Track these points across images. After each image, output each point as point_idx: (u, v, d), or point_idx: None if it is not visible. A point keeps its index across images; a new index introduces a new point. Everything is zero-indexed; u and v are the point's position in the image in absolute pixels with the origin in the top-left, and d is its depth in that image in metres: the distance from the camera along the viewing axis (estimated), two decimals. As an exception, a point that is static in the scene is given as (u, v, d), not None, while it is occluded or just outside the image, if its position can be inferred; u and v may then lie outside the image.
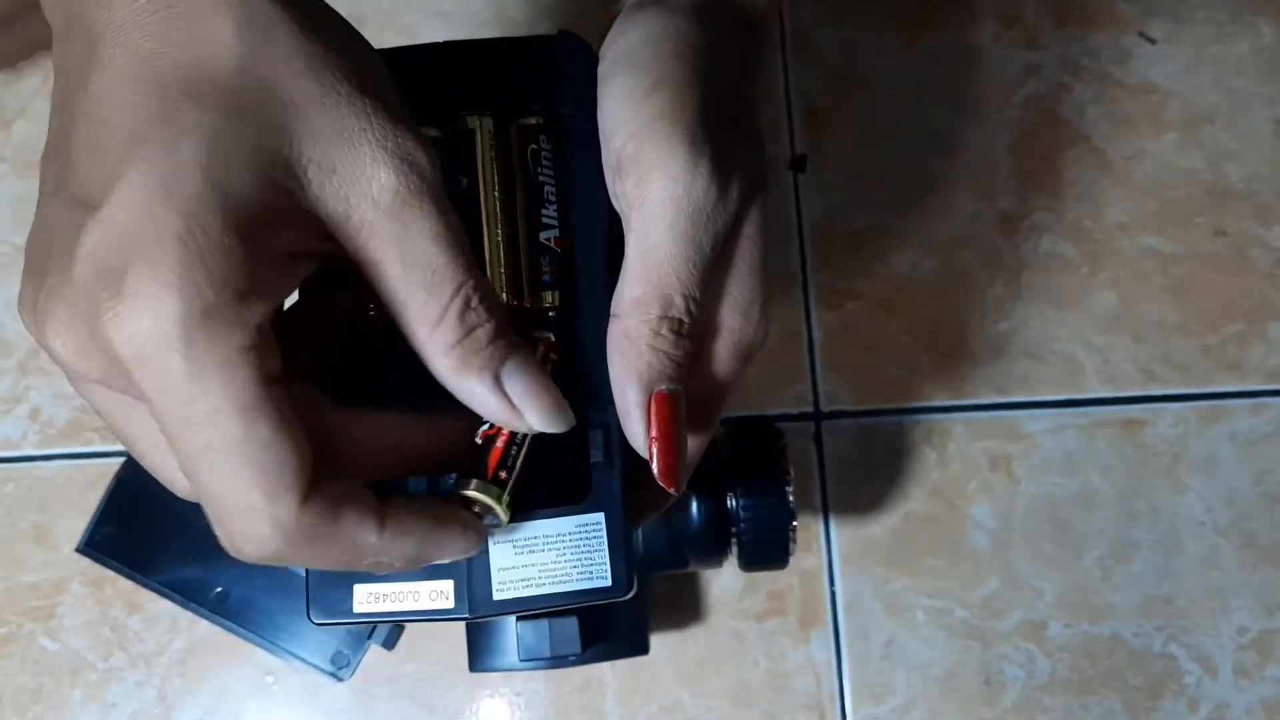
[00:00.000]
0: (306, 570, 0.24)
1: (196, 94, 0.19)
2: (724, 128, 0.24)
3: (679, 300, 0.23)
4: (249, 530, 0.20)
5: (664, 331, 0.23)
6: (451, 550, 0.23)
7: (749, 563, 0.38)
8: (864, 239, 0.50)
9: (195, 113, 0.19)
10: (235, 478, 0.19)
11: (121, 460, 0.47)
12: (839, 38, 0.52)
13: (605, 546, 0.25)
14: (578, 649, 0.34)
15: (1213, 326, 0.49)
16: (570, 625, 0.34)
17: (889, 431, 0.48)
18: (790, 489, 0.37)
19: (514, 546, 0.25)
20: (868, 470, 0.48)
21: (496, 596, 0.24)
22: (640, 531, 0.38)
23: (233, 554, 0.21)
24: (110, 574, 0.47)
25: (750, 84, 0.27)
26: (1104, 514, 0.47)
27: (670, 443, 0.24)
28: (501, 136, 0.27)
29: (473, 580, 0.24)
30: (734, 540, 0.37)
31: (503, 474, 0.24)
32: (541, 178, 0.27)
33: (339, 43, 0.21)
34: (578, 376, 0.25)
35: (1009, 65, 0.52)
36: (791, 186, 0.51)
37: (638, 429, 0.24)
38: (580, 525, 0.25)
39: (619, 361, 0.24)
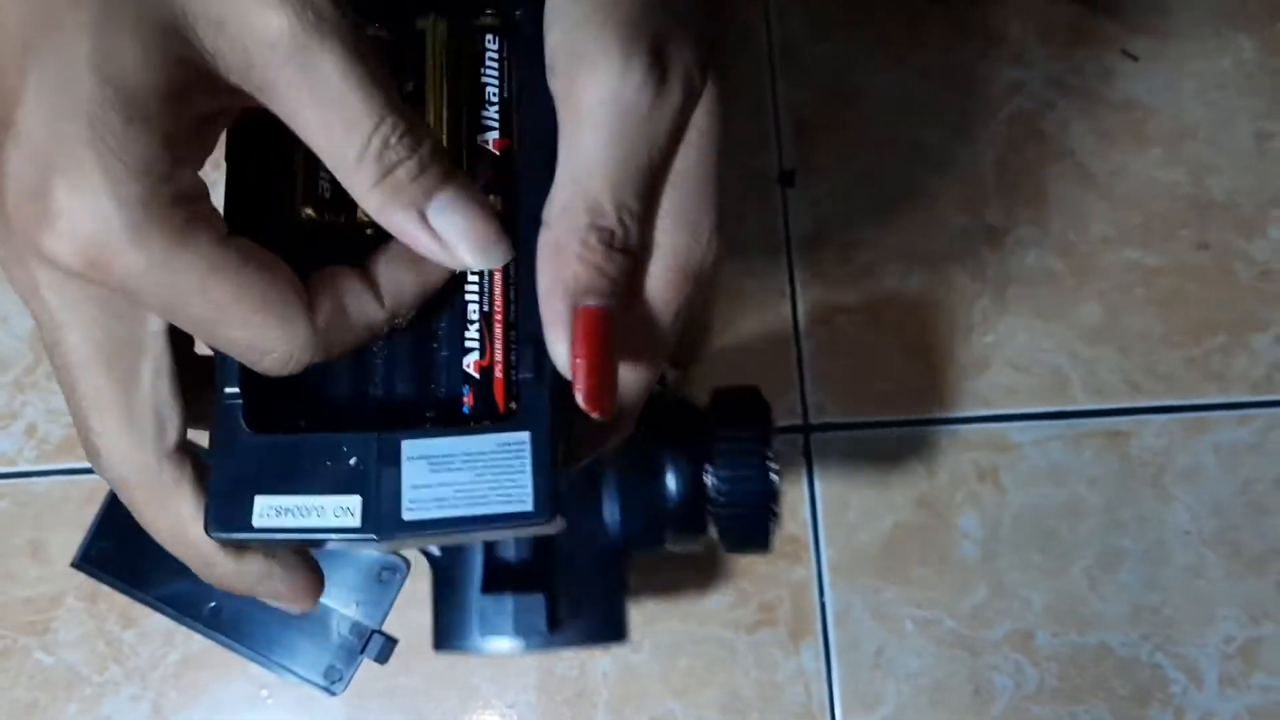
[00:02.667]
0: (210, 484, 0.23)
1: None
2: (670, 22, 0.22)
3: (609, 209, 0.22)
4: (279, 357, 0.21)
5: (593, 242, 0.22)
6: (447, 271, 0.23)
7: (729, 544, 0.35)
8: (852, 252, 0.50)
9: (69, 7, 0.19)
10: (248, 324, 0.20)
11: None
12: (828, 53, 0.53)
13: (529, 468, 0.22)
14: (543, 629, 0.32)
15: (1197, 338, 0.49)
16: (537, 602, 0.32)
17: (878, 443, 0.49)
18: (773, 463, 0.34)
19: (429, 463, 0.23)
20: (857, 482, 0.48)
21: (406, 517, 0.22)
22: (617, 507, 0.35)
23: (278, 372, 0.22)
24: (105, 588, 0.47)
25: None
26: (1091, 524, 0.48)
27: (596, 363, 0.22)
28: (454, 40, 0.25)
29: (382, 498, 0.22)
30: (712, 521, 0.35)
31: (511, 405, 0.24)
32: (485, 79, 0.25)
33: None
34: (515, 287, 0.24)
35: (995, 81, 0.52)
36: (780, 200, 0.51)
37: (560, 347, 0.22)
38: (502, 444, 0.22)
39: (545, 272, 0.22)
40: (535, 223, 0.23)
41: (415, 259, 0.22)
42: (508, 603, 0.32)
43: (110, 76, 0.19)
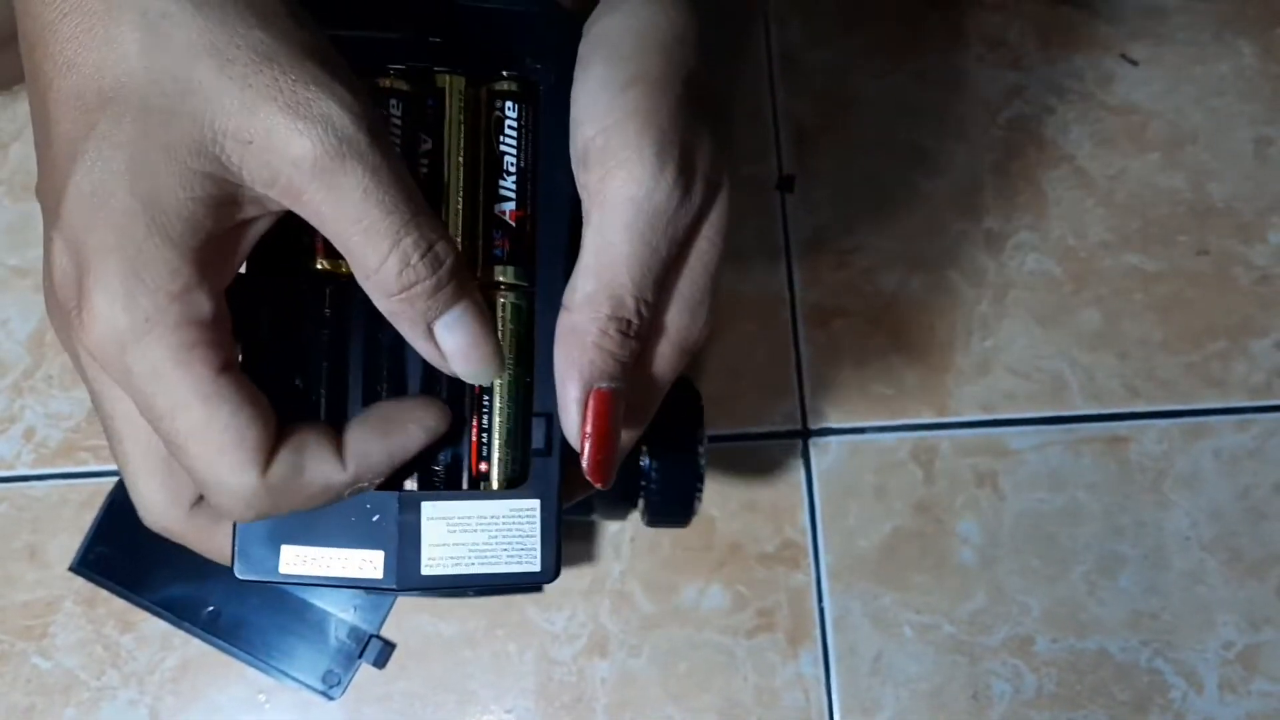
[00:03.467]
0: (234, 525, 0.25)
1: (111, 99, 0.20)
2: (695, 127, 0.24)
3: (630, 301, 0.23)
4: (228, 499, 0.22)
5: (611, 331, 0.23)
6: (418, 443, 0.24)
7: (653, 519, 0.37)
8: (851, 258, 0.50)
9: (110, 121, 0.20)
10: (203, 459, 0.21)
11: (114, 480, 0.48)
12: (827, 59, 0.53)
13: (538, 533, 0.25)
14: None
15: (1196, 343, 0.49)
16: None
17: (876, 448, 0.49)
18: (703, 450, 0.36)
19: (448, 525, 0.25)
20: (855, 487, 0.48)
21: (425, 571, 0.25)
22: None
23: (226, 519, 0.23)
24: (103, 593, 0.47)
25: (730, 79, 0.26)
26: (1090, 529, 0.48)
27: (603, 440, 0.24)
28: (472, 99, 0.26)
29: (403, 553, 0.25)
30: (642, 496, 0.37)
31: (483, 466, 0.25)
32: (503, 147, 0.26)
33: (239, 16, 0.21)
34: (529, 358, 0.26)
35: (994, 86, 0.52)
36: (779, 206, 0.51)
37: (573, 423, 0.24)
38: (515, 510, 0.25)
39: (563, 355, 0.24)
40: (552, 303, 0.24)
41: (388, 431, 0.24)
42: None
43: (140, 192, 0.20)
